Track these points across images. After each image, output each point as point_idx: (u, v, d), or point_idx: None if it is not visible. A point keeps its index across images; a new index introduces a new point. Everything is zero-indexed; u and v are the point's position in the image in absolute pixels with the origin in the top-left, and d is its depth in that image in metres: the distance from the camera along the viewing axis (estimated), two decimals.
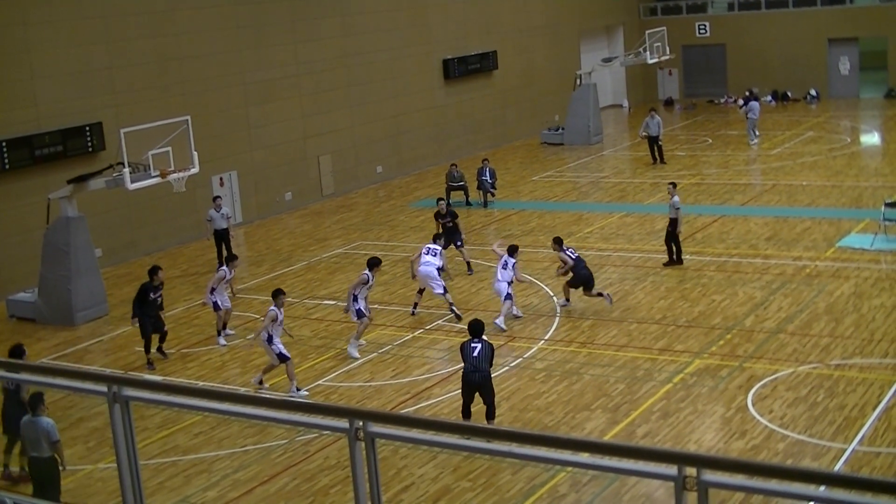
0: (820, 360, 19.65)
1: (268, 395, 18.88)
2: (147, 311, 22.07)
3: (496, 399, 17.44)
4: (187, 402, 6.94)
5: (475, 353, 17.08)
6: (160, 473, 16.91)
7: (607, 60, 51.24)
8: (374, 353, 21.70)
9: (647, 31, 49.14)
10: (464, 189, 35.63)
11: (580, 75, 48.02)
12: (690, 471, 4.77)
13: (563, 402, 18.51)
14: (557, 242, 23.67)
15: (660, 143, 40.78)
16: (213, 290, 22.98)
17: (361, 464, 5.53)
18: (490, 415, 17.31)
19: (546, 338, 21.99)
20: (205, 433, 18.30)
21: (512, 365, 20.47)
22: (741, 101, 47.36)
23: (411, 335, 22.65)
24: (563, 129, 47.28)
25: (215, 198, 30.09)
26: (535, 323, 22.83)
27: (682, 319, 22.46)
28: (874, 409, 17.24)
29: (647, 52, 47.58)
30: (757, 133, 43.95)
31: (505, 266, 22.74)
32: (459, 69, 44.87)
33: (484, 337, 17.58)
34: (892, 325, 21.28)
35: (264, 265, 29.77)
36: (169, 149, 25.41)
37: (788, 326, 21.55)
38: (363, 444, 5.46)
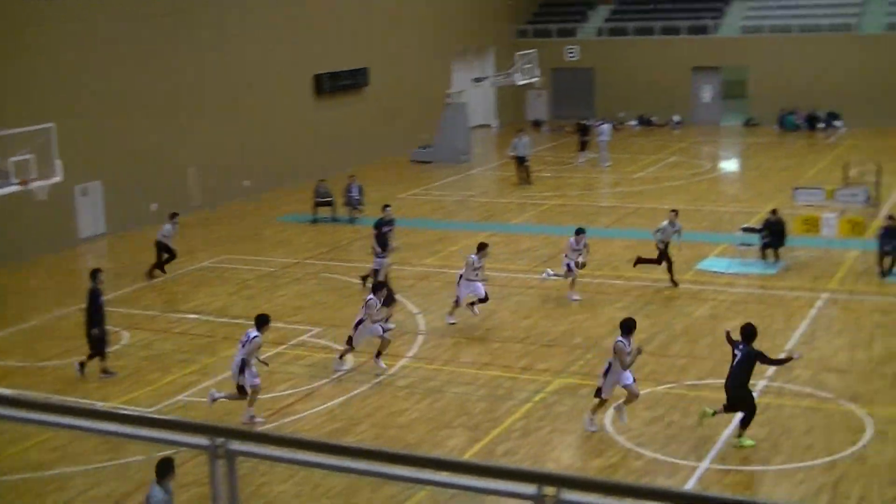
0: (676, 380, 20.12)
1: (126, 411, 18.56)
2: (97, 318, 21.24)
3: (359, 416, 17.43)
4: (41, 418, 6.81)
5: None
6: (11, 491, 16.50)
7: (478, 80, 51.74)
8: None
9: (517, 53, 49.77)
10: (331, 205, 35.57)
11: (451, 94, 48.41)
12: (549, 490, 4.85)
13: (425, 419, 18.60)
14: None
15: (527, 163, 41.30)
16: None
17: (221, 481, 5.51)
18: None
19: (409, 355, 22.07)
20: (60, 448, 17.90)
21: (374, 382, 20.50)
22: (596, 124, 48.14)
23: (274, 351, 22.51)
24: (432, 147, 47.56)
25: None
26: (399, 340, 22.88)
27: (545, 339, 22.78)
28: (726, 428, 17.71)
29: (517, 74, 48.20)
30: (607, 155, 44.93)
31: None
32: (331, 84, 44.82)
33: None
34: None
35: (127, 277, 29.25)
36: (31, 156, 24.84)
37: (647, 347, 21.97)
38: (223, 462, 5.44)
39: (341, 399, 19.59)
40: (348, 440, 17.69)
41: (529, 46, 52.74)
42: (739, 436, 17.05)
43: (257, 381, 18.66)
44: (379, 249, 25.98)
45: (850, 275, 27.12)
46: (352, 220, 35.24)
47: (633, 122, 57.41)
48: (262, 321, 18.89)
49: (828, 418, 17.66)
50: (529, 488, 4.92)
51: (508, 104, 59.70)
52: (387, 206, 27.66)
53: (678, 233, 26.48)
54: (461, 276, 23.83)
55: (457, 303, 23.90)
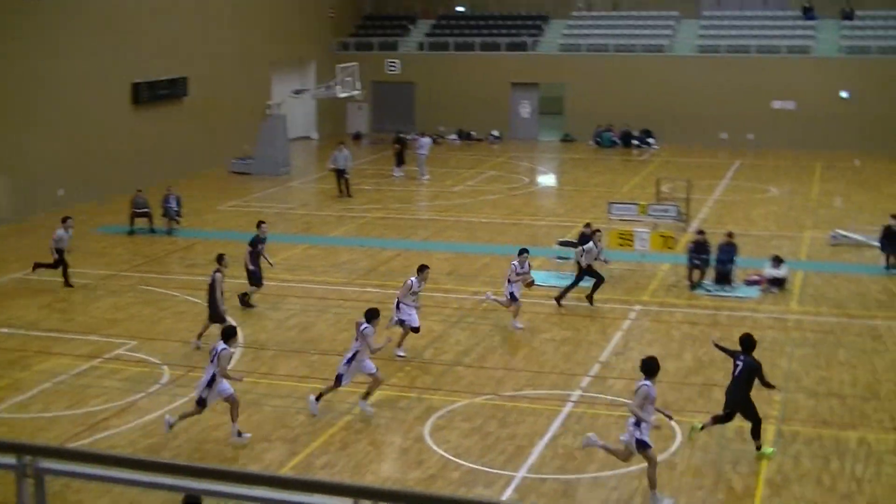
0: (494, 391, 20.44)
1: None
2: None
3: (175, 431, 17.14)
4: None
5: None
6: None
7: (298, 92, 51.56)
8: (48, 384, 20.89)
9: (338, 66, 49.77)
10: (148, 216, 34.92)
11: (271, 106, 48.10)
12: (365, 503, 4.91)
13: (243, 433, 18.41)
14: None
15: (347, 176, 41.32)
16: None
17: (29, 502, 5.38)
18: None
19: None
20: None
21: (190, 396, 20.19)
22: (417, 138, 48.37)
23: (88, 365, 21.96)
24: (252, 158, 47.15)
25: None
26: None
27: None
28: (541, 437, 18.08)
29: (338, 87, 48.19)
30: (426, 169, 45.39)
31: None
32: (149, 94, 43.96)
33: None
34: (560, 357, 22.41)
35: None
36: None
37: (465, 359, 22.29)
38: (31, 481, 5.31)
39: (157, 413, 19.23)
40: (164, 456, 17.41)
41: (351, 59, 52.79)
42: (759, 448, 17.28)
43: (230, 391, 18.08)
44: (252, 267, 25.96)
45: (661, 287, 28.01)
46: (169, 232, 34.66)
47: (453, 137, 58.06)
48: (228, 334, 18.32)
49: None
50: (346, 502, 4.97)
51: (329, 117, 59.62)
52: (261, 222, 27.28)
53: (601, 252, 26.58)
54: (398, 300, 22.47)
55: (403, 329, 22.49)
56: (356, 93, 49.80)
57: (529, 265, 24.79)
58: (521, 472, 16.83)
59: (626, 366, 21.75)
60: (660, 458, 17.07)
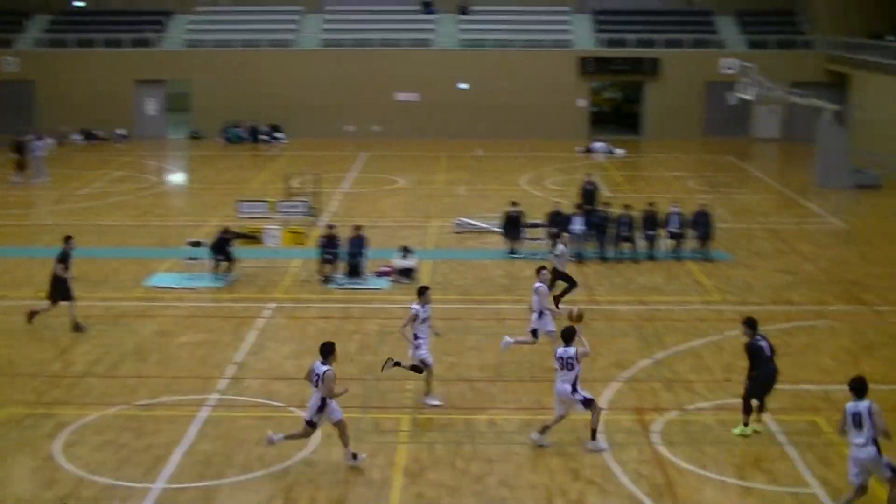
0: (127, 401, 19.85)
1: None
2: None
3: None
4: None
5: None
6: None
7: None
8: None
9: None
10: None
11: None
12: None
13: None
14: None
15: None
16: None
17: None
18: None
19: None
20: None
21: None
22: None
23: None
24: None
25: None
26: None
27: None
28: (179, 445, 17.73)
29: None
30: (45, 171, 43.70)
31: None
32: None
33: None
34: (196, 361, 22.06)
35: None
36: None
37: (96, 369, 21.53)
38: None
39: None
40: None
41: None
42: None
43: (339, 414, 16.88)
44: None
45: (294, 284, 28.12)
46: None
47: (77, 136, 55.91)
48: (327, 351, 16.91)
49: (280, 426, 18.13)
50: None
51: None
52: (69, 237, 24.73)
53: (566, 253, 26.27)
54: (415, 335, 19.54)
55: (421, 370, 19.72)
56: None
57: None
58: (160, 484, 16.42)
59: (262, 365, 21.71)
60: (300, 456, 17.17)
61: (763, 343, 18.14)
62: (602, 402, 19.36)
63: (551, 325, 21.62)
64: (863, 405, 14.81)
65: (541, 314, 21.75)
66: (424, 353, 19.51)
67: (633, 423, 18.82)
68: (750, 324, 18.28)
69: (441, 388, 20.35)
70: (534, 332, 21.82)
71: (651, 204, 31.86)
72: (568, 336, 17.70)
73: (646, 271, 29.54)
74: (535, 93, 55.64)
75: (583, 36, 58.35)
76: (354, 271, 28.18)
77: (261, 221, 30.20)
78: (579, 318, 19.28)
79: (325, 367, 16.68)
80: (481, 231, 33.73)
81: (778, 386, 18.71)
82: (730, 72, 52.18)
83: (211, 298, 26.77)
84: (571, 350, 17.55)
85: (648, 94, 56.98)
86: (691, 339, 23.47)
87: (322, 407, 16.72)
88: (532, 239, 31.53)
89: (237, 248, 28.60)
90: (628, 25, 58.41)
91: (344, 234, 28.61)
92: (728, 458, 17.37)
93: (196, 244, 29.47)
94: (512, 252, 31.09)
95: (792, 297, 26.88)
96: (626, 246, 30.90)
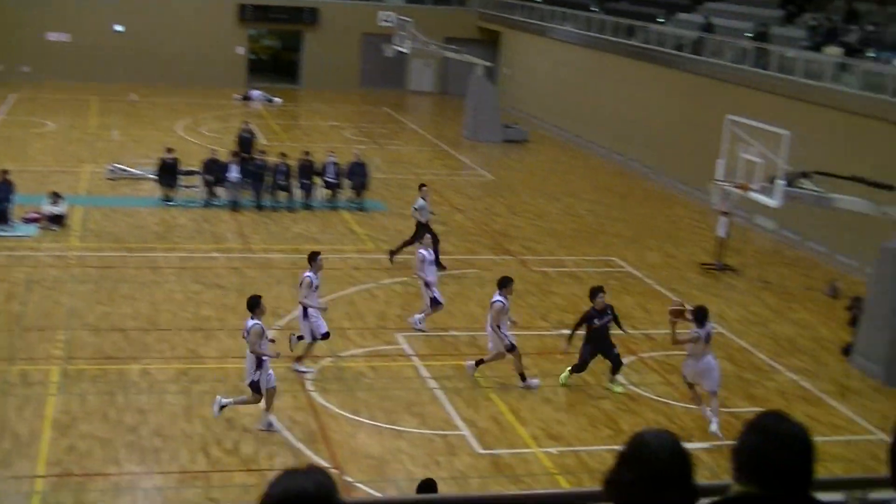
0: None
1: None
2: None
3: None
4: None
5: None
6: None
7: None
8: None
9: None
10: None
11: None
12: None
13: None
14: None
15: None
16: None
17: None
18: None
19: None
20: None
21: None
22: None
23: None
24: None
25: None
26: None
27: None
28: None
29: None
30: None
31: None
32: None
33: None
34: None
35: None
36: None
37: None
38: None
39: None
40: None
41: None
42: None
43: (273, 381, 16.53)
44: None
45: None
46: None
47: None
48: (253, 304, 16.56)
49: None
50: None
51: None
52: None
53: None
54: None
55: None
56: None
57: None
58: None
59: None
60: None
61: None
62: None
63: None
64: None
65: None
66: (320, 322, 18.93)
67: (288, 371, 19.04)
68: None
69: (93, 338, 19.91)
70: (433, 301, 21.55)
71: (307, 153, 32.07)
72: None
73: (301, 220, 29.82)
74: (193, 38, 54.52)
75: None
76: (1, 218, 26.90)
77: None
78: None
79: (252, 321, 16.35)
80: (135, 178, 32.95)
81: (429, 332, 19.39)
82: (387, 24, 53.04)
83: None
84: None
85: (307, 43, 57.09)
86: (346, 288, 23.95)
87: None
88: (187, 186, 31.12)
89: None
90: None
91: None
92: (380, 404, 17.92)
93: None
94: (167, 199, 30.56)
95: (444, 247, 27.85)
96: (282, 195, 31.04)
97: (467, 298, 23.82)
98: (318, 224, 29.56)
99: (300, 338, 18.99)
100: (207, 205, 30.35)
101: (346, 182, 31.72)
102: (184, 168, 31.41)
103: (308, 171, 31.44)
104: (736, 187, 23.34)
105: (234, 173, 30.55)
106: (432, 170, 38.20)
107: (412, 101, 56.09)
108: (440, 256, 24.60)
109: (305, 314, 18.89)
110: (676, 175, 36.96)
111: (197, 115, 46.39)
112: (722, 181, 24.14)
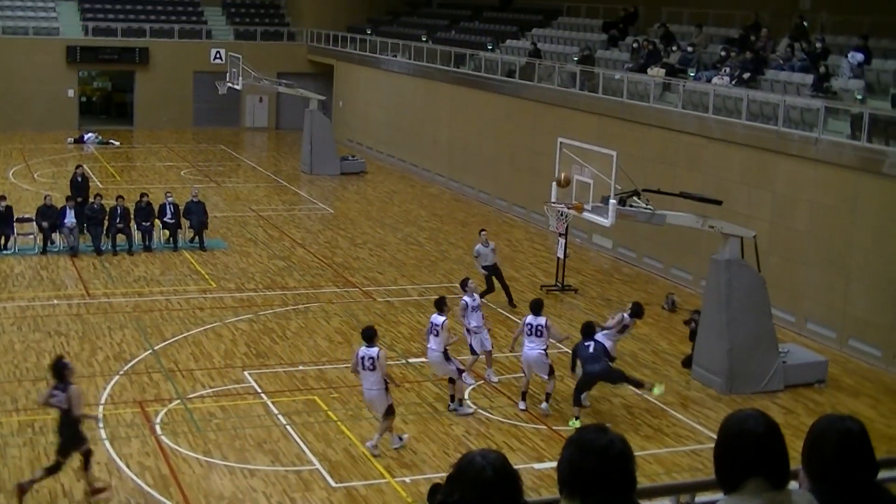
0: None
1: None
2: None
3: None
4: None
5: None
6: None
7: None
8: None
9: None
10: None
11: None
12: None
13: None
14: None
15: None
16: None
17: None
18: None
19: None
20: None
21: None
22: None
23: None
24: None
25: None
26: None
27: None
28: None
29: None
30: None
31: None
32: None
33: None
34: None
35: None
36: None
37: None
38: None
39: None
40: None
41: None
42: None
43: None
44: None
45: None
46: None
47: None
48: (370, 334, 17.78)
49: None
50: None
51: None
52: None
53: (493, 251, 26.41)
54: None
55: None
56: None
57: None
58: None
59: None
60: None
61: (588, 344, 19.07)
62: (103, 396, 19.27)
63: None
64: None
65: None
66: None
67: (136, 415, 18.85)
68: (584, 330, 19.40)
69: None
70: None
71: (144, 195, 31.68)
72: (536, 307, 19.48)
73: (142, 262, 29.47)
74: (22, 82, 53.25)
75: (70, 24, 56.65)
76: None
77: None
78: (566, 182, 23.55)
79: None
80: None
81: (276, 368, 19.40)
82: (219, 62, 52.71)
83: None
84: (541, 319, 19.20)
85: (139, 83, 56.34)
86: (190, 328, 23.79)
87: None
88: (22, 234, 30.43)
89: None
90: (116, 14, 57.45)
91: None
92: (231, 443, 17.87)
93: None
94: (2, 248, 29.84)
95: (287, 282, 27.89)
96: (121, 238, 30.60)
97: (312, 332, 23.88)
98: (160, 265, 29.25)
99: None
100: (45, 252, 29.76)
101: (185, 222, 31.46)
102: (17, 216, 30.70)
103: (146, 212, 31.06)
104: (570, 209, 23.90)
105: (69, 218, 30.03)
106: (271, 205, 38.14)
107: (248, 138, 55.85)
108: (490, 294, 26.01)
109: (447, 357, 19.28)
110: (513, 199, 37.66)
111: (29, 160, 45.32)
112: (556, 203, 24.69)
